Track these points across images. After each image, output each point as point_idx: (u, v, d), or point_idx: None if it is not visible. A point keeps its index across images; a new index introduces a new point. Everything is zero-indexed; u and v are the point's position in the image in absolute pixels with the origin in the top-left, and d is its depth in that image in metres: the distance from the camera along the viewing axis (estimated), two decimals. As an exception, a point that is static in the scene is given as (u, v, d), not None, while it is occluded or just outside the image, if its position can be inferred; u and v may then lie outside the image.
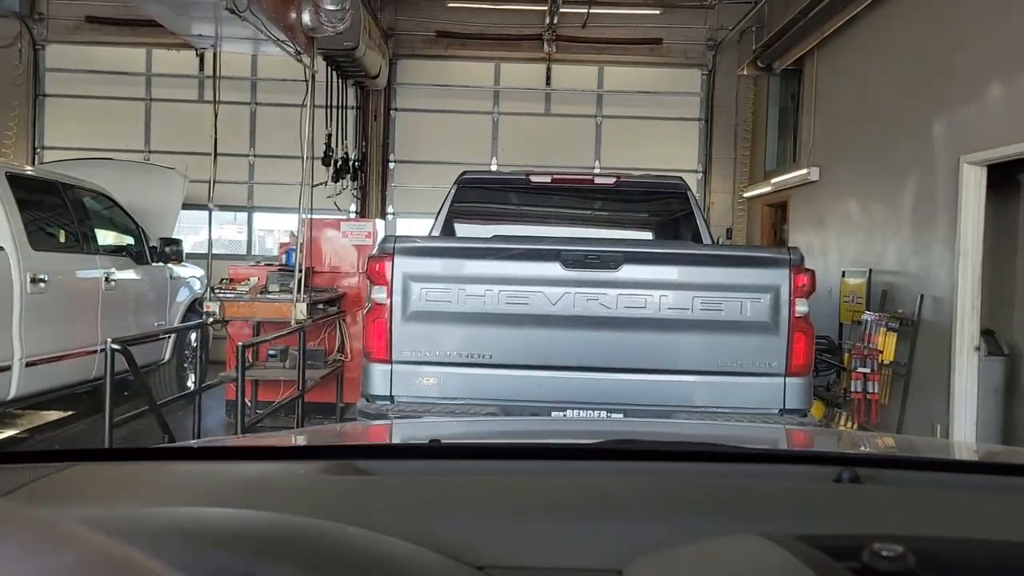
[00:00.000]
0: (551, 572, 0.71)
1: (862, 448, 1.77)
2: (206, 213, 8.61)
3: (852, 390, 6.89)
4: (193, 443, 1.38)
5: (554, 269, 3.93)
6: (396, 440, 1.60)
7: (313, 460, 1.04)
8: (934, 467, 1.24)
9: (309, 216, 7.04)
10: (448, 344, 3.98)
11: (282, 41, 5.91)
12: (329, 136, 10.12)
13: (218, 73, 7.30)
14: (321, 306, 7.22)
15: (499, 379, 3.96)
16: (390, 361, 3.98)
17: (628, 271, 3.93)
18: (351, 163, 10.84)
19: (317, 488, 0.91)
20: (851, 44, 8.22)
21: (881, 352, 6.67)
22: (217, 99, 7.15)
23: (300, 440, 1.51)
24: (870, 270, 7.36)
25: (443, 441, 1.20)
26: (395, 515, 0.78)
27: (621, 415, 3.88)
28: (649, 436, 1.49)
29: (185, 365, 8.13)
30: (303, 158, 6.31)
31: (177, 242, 7.93)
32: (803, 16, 8.36)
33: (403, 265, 3.94)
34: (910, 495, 0.96)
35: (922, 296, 6.43)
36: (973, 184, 5.84)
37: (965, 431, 5.88)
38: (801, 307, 3.91)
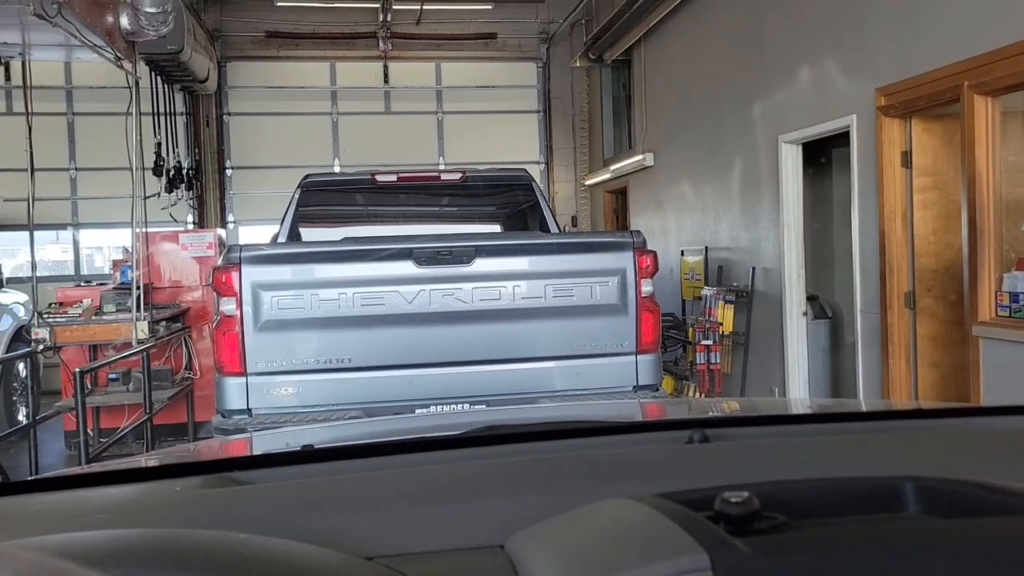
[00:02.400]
0: (437, 555, 0.74)
1: (709, 412, 1.90)
2: (26, 234, 7.98)
3: (697, 362, 7.29)
4: (54, 473, 1.30)
5: (407, 267, 3.93)
6: (269, 449, 1.58)
7: (186, 477, 1.01)
8: (771, 422, 1.38)
9: (144, 230, 6.68)
10: (305, 351, 3.90)
11: (100, 47, 5.56)
12: (159, 145, 9.61)
13: (29, 83, 6.77)
14: (164, 323, 6.89)
15: (360, 382, 3.92)
16: (244, 373, 3.86)
17: (481, 264, 3.98)
18: (185, 172, 10.35)
19: (196, 502, 0.89)
20: (674, 34, 8.65)
21: (721, 324, 7.09)
22: (30, 111, 6.64)
23: (170, 459, 1.46)
24: (706, 247, 7.79)
25: (316, 446, 1.21)
26: (277, 519, 0.79)
27: (484, 406, 3.94)
28: (514, 422, 1.54)
29: (14, 399, 7.55)
30: (132, 169, 5.98)
31: (-6, 267, 7.32)
32: (628, 8, 8.72)
33: (251, 274, 3.83)
34: (752, 447, 1.06)
35: (754, 268, 6.88)
36: (791, 161, 6.31)
37: (799, 389, 6.36)
38: (646, 287, 4.10)
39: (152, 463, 1.64)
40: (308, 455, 1.14)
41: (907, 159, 4.99)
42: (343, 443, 1.48)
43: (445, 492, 0.88)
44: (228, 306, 3.83)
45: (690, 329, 7.71)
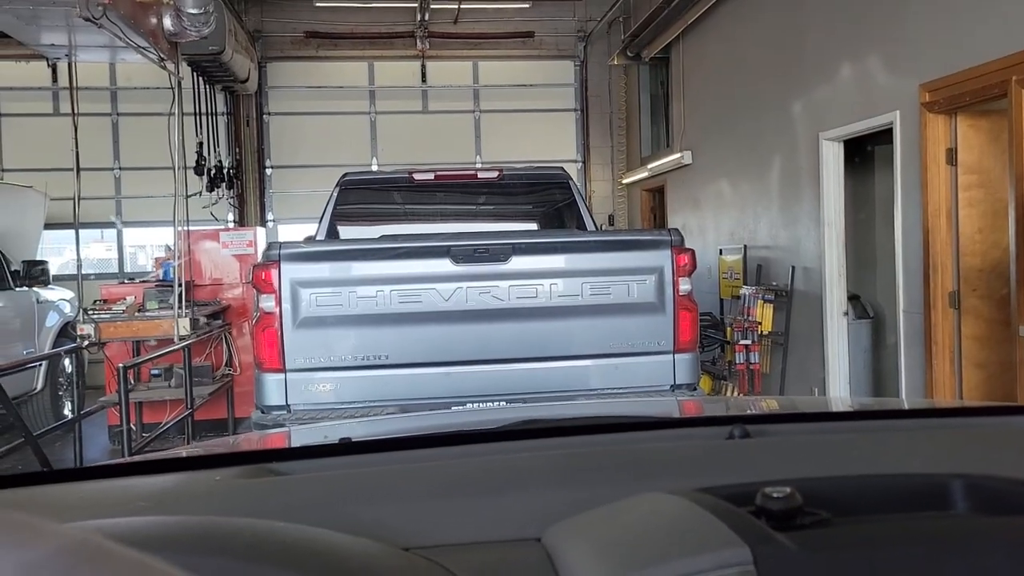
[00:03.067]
0: (473, 546, 0.74)
1: (749, 409, 1.88)
2: (71, 232, 8.16)
3: (736, 362, 7.21)
4: (99, 463, 1.33)
5: (444, 265, 3.94)
6: (306, 442, 1.60)
7: (226, 467, 1.03)
8: (813, 418, 1.36)
9: (186, 228, 6.79)
10: (343, 348, 3.94)
11: (143, 48, 5.66)
12: (200, 144, 9.77)
13: (75, 84, 6.92)
14: (205, 320, 6.99)
15: (397, 379, 3.94)
16: (283, 370, 3.90)
17: (517, 262, 3.98)
18: (226, 171, 10.51)
19: (236, 492, 0.90)
20: (713, 31, 8.57)
21: (760, 324, 7.00)
22: (76, 111, 6.78)
23: (211, 450, 1.48)
24: (745, 246, 7.70)
25: (354, 439, 1.21)
26: (316, 509, 0.79)
27: (520, 404, 3.94)
28: (552, 417, 1.53)
29: (60, 393, 7.72)
30: (174, 168, 6.07)
31: (42, 264, 7.50)
32: (667, 6, 8.65)
33: (290, 271, 3.87)
34: (794, 443, 1.04)
35: (793, 267, 6.79)
36: (832, 158, 6.21)
37: (839, 389, 6.26)
38: (684, 286, 4.07)
39: (206, 450, 1.66)
40: (345, 447, 1.15)
41: (952, 156, 4.88)
42: (379, 437, 1.48)
43: (481, 485, 0.88)
44: (267, 303, 3.88)
45: (728, 328, 7.63)
